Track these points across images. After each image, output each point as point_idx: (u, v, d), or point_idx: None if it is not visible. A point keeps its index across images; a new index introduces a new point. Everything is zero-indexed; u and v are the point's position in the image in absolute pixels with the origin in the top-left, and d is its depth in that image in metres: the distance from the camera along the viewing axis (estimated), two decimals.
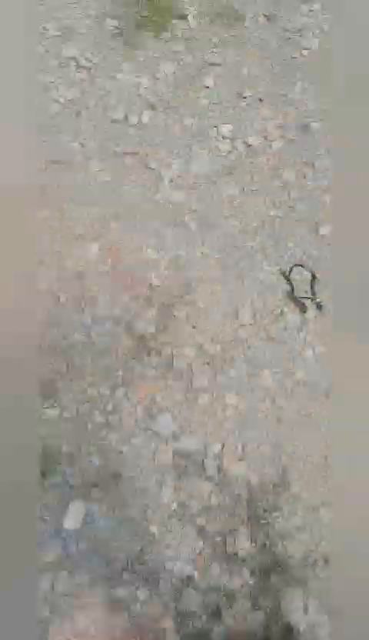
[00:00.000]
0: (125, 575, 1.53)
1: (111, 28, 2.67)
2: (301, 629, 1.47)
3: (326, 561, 1.58)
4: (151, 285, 2.06)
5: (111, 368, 1.87)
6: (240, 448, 1.76)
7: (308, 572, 1.56)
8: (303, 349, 2.00)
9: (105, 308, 1.98)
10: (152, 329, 1.96)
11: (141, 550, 1.56)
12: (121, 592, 1.51)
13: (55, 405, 1.77)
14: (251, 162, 2.41)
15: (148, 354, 1.91)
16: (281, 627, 1.45)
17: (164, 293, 2.04)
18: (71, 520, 1.56)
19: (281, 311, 2.06)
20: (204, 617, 1.47)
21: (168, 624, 1.46)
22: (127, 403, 1.80)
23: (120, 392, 1.82)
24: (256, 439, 1.78)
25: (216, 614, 1.47)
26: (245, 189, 2.36)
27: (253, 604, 1.50)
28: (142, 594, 1.50)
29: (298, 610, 1.50)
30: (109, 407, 1.79)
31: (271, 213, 2.33)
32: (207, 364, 1.92)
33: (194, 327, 2.00)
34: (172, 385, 1.85)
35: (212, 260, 2.15)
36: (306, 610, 1.51)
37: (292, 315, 2.06)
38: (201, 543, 1.58)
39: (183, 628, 1.45)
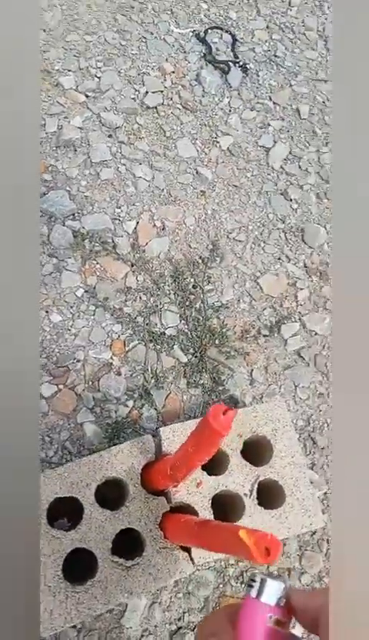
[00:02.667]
0: None
1: None
2: (247, 402, 1.29)
3: (271, 329, 1.39)
4: None
5: None
6: (159, 223, 1.49)
7: (251, 343, 1.36)
8: (227, 116, 1.71)
9: None
10: None
11: (41, 344, 1.29)
12: None
13: None
14: None
15: None
16: (223, 401, 1.26)
17: None
18: None
19: (197, 76, 1.74)
20: (129, 402, 1.25)
21: (85, 417, 1.22)
22: None
23: None
24: (178, 213, 1.52)
25: (144, 397, 1.25)
26: None
27: (188, 382, 1.29)
28: (47, 390, 1.24)
29: (242, 382, 1.32)
30: None
31: None
32: (110, 136, 1.60)
33: (83, 94, 1.64)
34: (65, 159, 1.52)
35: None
36: (251, 382, 1.32)
37: (211, 78, 1.74)
38: (118, 327, 1.33)
39: (103, 419, 1.22)
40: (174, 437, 1.12)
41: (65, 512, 1.11)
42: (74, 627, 1.06)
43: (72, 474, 1.06)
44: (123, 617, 1.09)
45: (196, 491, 1.09)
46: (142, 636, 1.09)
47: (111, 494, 1.11)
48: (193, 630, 1.11)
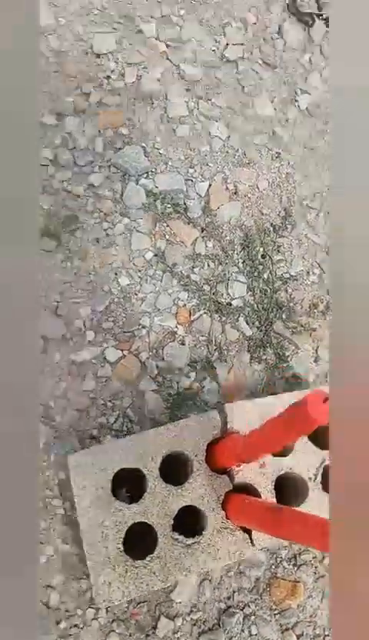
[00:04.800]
0: (89, 337, 1.18)
1: None
2: (310, 380, 1.19)
3: None
4: None
5: (53, 95, 1.37)
6: (231, 187, 1.35)
7: (318, 319, 1.24)
8: (308, 73, 1.51)
9: None
10: (112, 46, 1.43)
11: (109, 306, 1.20)
12: (84, 355, 1.17)
13: None
14: None
15: (108, 77, 1.40)
16: (286, 378, 1.16)
17: None
18: None
19: (279, 28, 1.54)
20: (192, 374, 1.16)
21: (147, 386, 1.14)
22: (81, 135, 1.34)
23: (71, 121, 1.34)
24: (251, 176, 1.37)
25: (207, 370, 1.16)
26: None
27: (251, 357, 1.19)
28: (112, 354, 1.16)
29: (307, 360, 1.21)
30: (57, 140, 1.32)
31: None
32: (187, 90, 1.44)
33: (167, 45, 1.47)
34: (142, 112, 1.38)
35: None
36: (316, 359, 1.21)
37: (294, 32, 1.54)
38: (185, 294, 1.22)
39: (165, 389, 1.14)
40: (242, 414, 1.03)
41: (124, 483, 1.05)
42: None
43: (138, 445, 0.99)
44: (173, 591, 1.05)
45: (260, 471, 1.01)
46: (191, 612, 1.04)
47: (168, 469, 1.04)
48: (242, 610, 1.06)
